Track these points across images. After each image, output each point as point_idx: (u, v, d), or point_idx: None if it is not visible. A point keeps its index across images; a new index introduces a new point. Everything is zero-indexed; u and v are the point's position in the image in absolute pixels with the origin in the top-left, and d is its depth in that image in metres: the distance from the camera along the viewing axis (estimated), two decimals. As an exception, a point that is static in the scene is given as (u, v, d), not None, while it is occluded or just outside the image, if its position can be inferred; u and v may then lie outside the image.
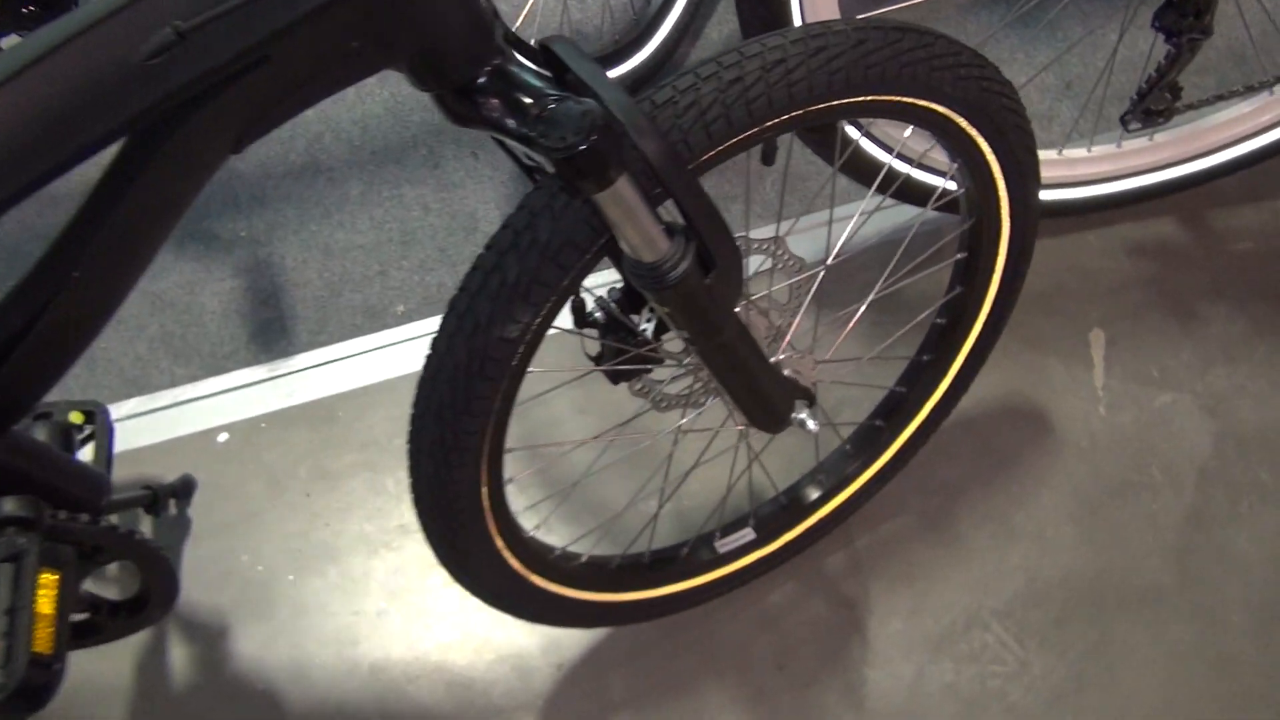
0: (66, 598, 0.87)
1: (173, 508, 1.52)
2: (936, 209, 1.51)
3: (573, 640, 1.41)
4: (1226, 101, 1.55)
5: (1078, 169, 1.61)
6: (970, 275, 1.30)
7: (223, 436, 1.57)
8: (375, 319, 1.66)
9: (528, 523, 1.19)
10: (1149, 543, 1.46)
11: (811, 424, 1.15)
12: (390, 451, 1.54)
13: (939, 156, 1.50)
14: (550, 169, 0.83)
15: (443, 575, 1.45)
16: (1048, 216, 1.66)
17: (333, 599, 1.46)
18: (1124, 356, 1.59)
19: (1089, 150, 1.61)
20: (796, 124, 0.99)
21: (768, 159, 1.05)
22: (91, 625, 1.16)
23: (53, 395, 1.62)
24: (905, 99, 1.04)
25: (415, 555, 1.47)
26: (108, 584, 1.43)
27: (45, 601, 0.84)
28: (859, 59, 0.98)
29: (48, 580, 0.85)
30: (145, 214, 0.83)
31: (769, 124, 0.97)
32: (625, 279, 0.98)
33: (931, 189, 1.48)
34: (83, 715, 1.38)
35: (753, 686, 1.38)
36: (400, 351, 1.63)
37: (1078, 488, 1.50)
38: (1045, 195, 1.63)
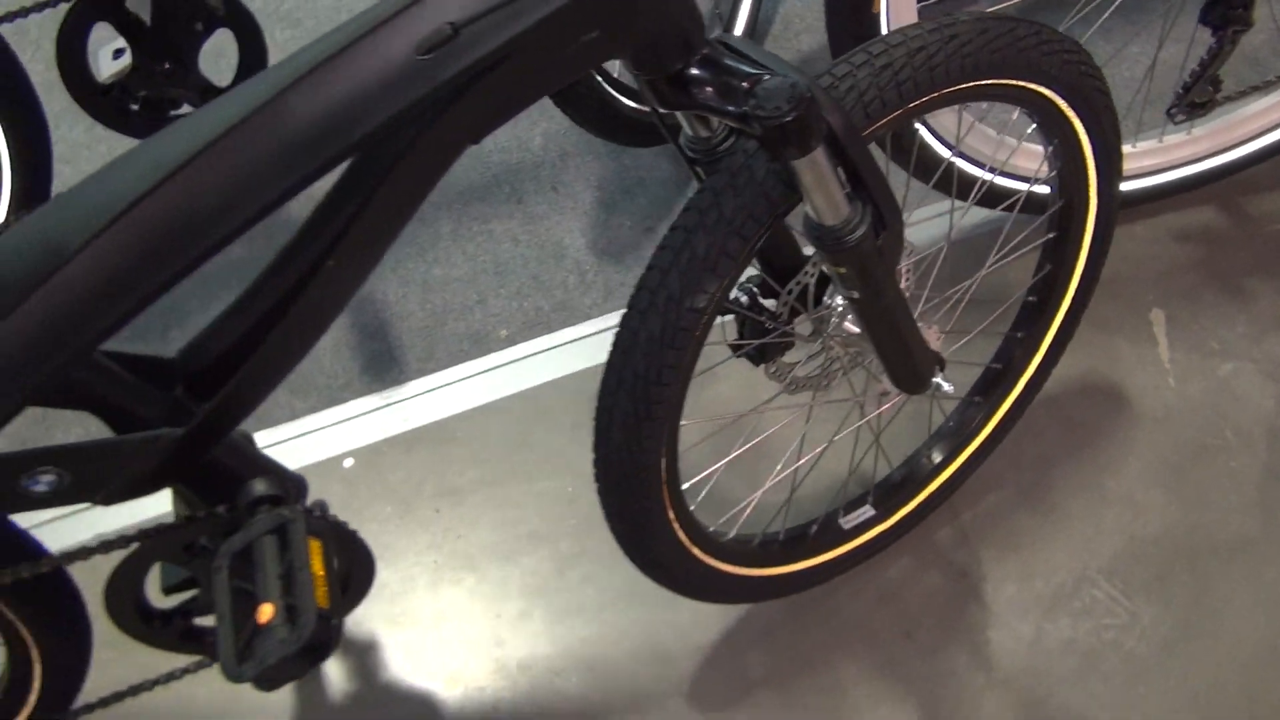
0: (331, 561, 0.94)
1: (307, 532, 1.59)
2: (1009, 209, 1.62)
3: (705, 626, 1.48)
4: (1261, 93, 1.69)
5: (1125, 164, 1.74)
6: (1059, 254, 1.41)
7: (348, 462, 1.64)
8: (480, 344, 1.75)
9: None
10: (1232, 499, 1.56)
11: (947, 386, 1.25)
12: (511, 465, 1.62)
13: (1020, 162, 1.63)
14: (757, 136, 0.93)
15: (578, 572, 1.53)
16: (1098, 211, 1.79)
17: (473, 604, 1.52)
18: (1184, 333, 1.70)
19: (1133, 146, 1.74)
20: (935, 105, 1.10)
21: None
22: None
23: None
24: (1019, 82, 1.16)
25: (549, 555, 1.54)
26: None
27: (317, 563, 0.91)
28: (985, 45, 1.10)
29: (314, 546, 0.92)
30: (398, 200, 0.92)
31: (912, 105, 1.08)
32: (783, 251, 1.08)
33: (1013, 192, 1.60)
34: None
35: (883, 655, 1.46)
36: (509, 372, 1.71)
37: (1160, 454, 1.60)
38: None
